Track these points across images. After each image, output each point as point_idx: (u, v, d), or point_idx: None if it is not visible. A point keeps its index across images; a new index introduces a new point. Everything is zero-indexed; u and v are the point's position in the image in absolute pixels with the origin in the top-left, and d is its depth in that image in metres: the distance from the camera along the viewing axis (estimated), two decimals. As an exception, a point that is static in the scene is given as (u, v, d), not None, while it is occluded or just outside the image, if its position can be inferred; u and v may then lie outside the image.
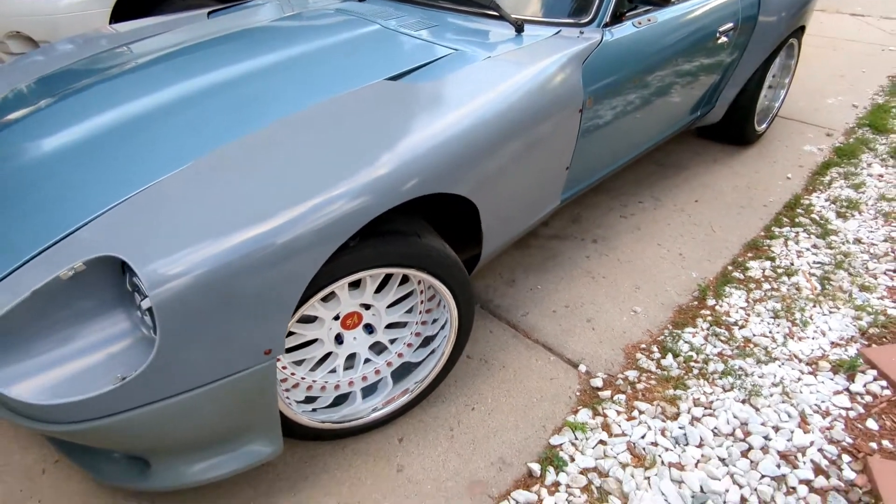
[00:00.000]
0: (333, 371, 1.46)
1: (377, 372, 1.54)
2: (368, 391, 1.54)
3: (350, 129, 1.26)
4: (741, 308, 1.90)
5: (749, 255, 2.18)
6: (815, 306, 1.91)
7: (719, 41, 2.27)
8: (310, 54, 1.67)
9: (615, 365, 1.71)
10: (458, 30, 1.81)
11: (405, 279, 1.42)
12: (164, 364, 1.01)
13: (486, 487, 1.37)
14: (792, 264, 2.12)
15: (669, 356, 1.71)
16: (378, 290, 1.39)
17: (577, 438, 1.48)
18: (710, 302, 1.93)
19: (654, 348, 1.75)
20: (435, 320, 1.55)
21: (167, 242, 1.01)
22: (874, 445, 1.43)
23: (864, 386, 1.59)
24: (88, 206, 1.14)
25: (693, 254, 2.19)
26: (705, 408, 1.55)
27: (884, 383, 1.60)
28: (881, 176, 2.69)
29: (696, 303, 1.94)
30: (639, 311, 1.91)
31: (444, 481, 1.39)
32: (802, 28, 2.86)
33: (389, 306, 1.43)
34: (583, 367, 1.69)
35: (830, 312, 1.88)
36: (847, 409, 1.53)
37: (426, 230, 1.35)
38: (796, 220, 2.38)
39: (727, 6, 2.28)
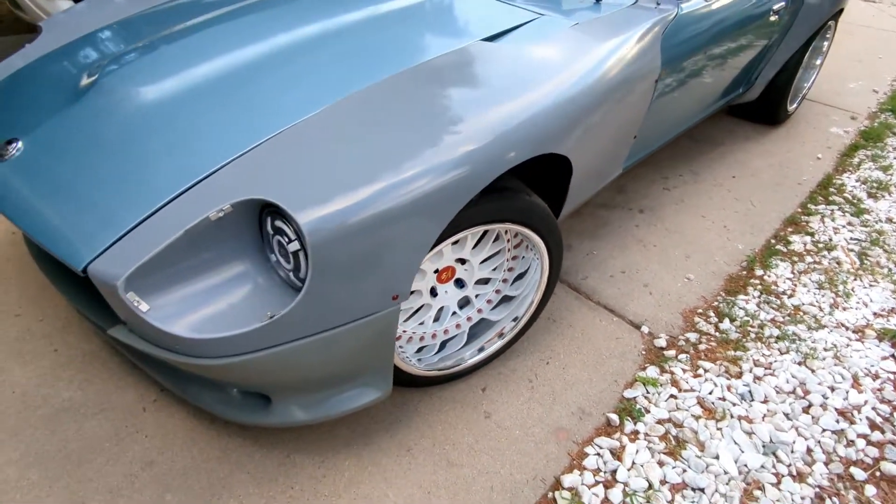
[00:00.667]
0: (422, 323, 1.52)
1: (458, 326, 1.61)
2: (442, 346, 1.61)
3: (469, 85, 1.29)
4: (788, 279, 2.01)
5: (790, 229, 2.28)
6: (855, 279, 2.02)
7: (771, 19, 2.33)
8: (406, 10, 1.68)
9: (675, 327, 1.80)
10: (538, -6, 1.83)
11: (496, 238, 1.48)
12: (309, 304, 1.06)
13: (570, 434, 1.47)
14: (830, 240, 2.22)
15: (726, 321, 1.81)
16: (473, 247, 1.44)
17: (648, 392, 1.57)
18: (759, 272, 2.03)
19: (711, 313, 1.85)
20: (516, 279, 1.61)
21: (312, 188, 1.05)
22: (922, 405, 1.55)
23: (908, 352, 1.71)
24: (224, 149, 1.17)
25: (736, 227, 2.28)
26: (766, 368, 1.65)
27: (925, 351, 1.72)
28: (907, 160, 2.80)
29: (745, 272, 2.04)
30: (692, 278, 2.00)
31: (531, 427, 1.47)
32: (841, 10, 2.92)
33: (482, 262, 1.49)
34: (645, 329, 1.78)
35: (871, 286, 1.99)
36: (894, 373, 1.65)
37: (528, 190, 1.41)
38: (830, 198, 2.49)
39: (781, -16, 2.33)
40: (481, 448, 1.42)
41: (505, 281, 1.62)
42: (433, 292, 1.48)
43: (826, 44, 3.11)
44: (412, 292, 1.43)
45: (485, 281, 1.60)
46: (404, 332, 1.49)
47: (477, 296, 1.59)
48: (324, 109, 1.22)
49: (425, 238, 1.13)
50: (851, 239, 2.23)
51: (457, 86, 1.30)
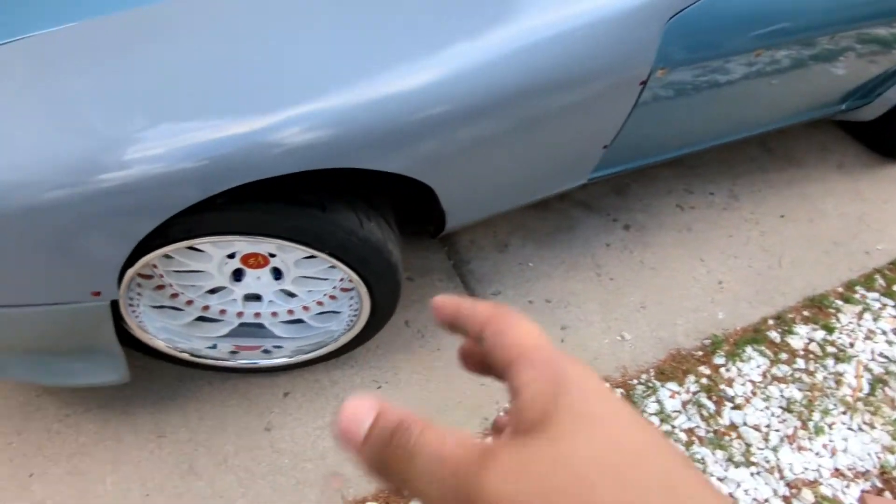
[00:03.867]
0: (234, 300, 1.28)
1: (290, 312, 1.35)
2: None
3: (270, 38, 0.90)
4: (751, 381, 1.53)
5: (805, 313, 1.73)
6: (845, 413, 1.51)
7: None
8: None
9: (562, 395, 1.44)
10: None
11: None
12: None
13: (343, 485, 1.23)
14: (852, 345, 1.66)
15: (628, 411, 1.42)
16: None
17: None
18: (719, 360, 1.56)
19: (618, 392, 1.46)
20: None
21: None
22: None
23: (839, 543, 1.28)
24: None
25: (736, 287, 1.75)
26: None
27: (866, 548, 1.28)
28: None
29: (700, 353, 1.58)
30: (627, 338, 1.58)
31: (305, 461, 1.25)
32: None
33: (304, 258, 1.18)
34: (524, 384, 1.44)
35: (860, 429, 1.49)
36: (799, 563, 1.24)
37: (346, 200, 1.03)
38: (894, 287, 1.85)
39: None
40: (234, 464, 1.22)
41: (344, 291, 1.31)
42: (238, 276, 1.21)
43: None
44: (201, 272, 1.17)
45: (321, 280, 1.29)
46: (210, 304, 1.26)
47: (310, 291, 1.30)
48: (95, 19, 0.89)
49: (120, 244, 0.85)
50: (880, 355, 1.66)
51: (274, 32, 0.92)
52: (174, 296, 1.21)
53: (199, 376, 1.34)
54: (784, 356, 1.61)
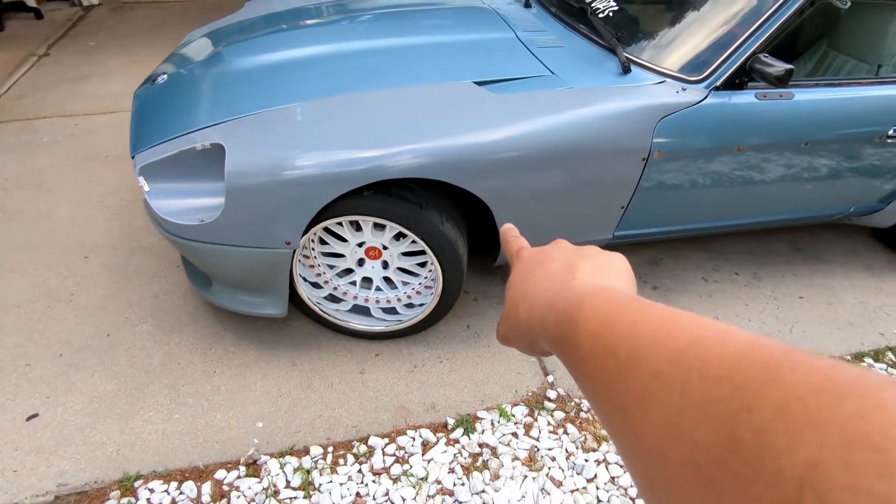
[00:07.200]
0: (354, 283, 1.92)
1: (377, 301, 1.96)
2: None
3: (417, 110, 1.63)
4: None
5: (807, 368, 2.01)
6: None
7: (889, 141, 2.03)
8: (444, 45, 2.04)
9: (580, 391, 1.86)
10: (576, 56, 2.00)
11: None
12: (225, 222, 1.57)
13: (407, 415, 1.73)
14: (850, 399, 1.91)
15: (631, 407, 1.80)
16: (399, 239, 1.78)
17: (498, 421, 1.73)
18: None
19: (626, 396, 1.85)
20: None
21: (257, 146, 1.54)
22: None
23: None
24: (245, 108, 1.71)
25: (745, 341, 2.10)
26: (622, 459, 1.65)
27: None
28: None
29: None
30: (641, 361, 1.98)
31: (383, 395, 1.78)
32: None
33: (404, 254, 1.82)
34: (551, 378, 1.89)
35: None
36: None
37: (435, 206, 1.68)
38: (904, 363, 2.08)
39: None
40: (338, 388, 1.78)
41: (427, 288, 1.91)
42: (360, 263, 1.87)
43: None
44: (340, 255, 1.84)
45: (416, 274, 1.91)
46: (338, 285, 1.92)
47: (406, 283, 1.92)
48: (313, 101, 1.69)
49: (309, 207, 1.55)
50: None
51: (411, 108, 1.65)
52: (318, 275, 1.89)
53: (322, 333, 1.96)
54: (780, 395, 1.90)
